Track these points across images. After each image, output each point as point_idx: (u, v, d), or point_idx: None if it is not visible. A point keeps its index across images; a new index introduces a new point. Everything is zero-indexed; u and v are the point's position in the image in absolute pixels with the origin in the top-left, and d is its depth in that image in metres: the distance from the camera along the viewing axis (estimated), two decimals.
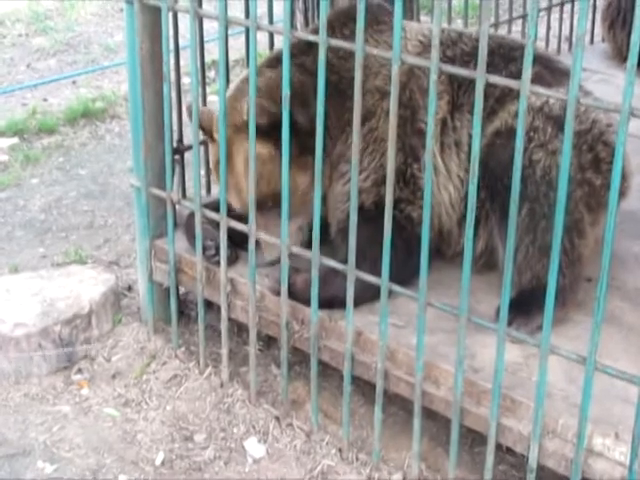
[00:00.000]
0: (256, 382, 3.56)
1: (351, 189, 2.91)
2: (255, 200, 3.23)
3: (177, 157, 3.96)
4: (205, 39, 4.24)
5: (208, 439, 3.43)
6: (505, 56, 3.56)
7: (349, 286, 3.02)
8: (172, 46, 3.85)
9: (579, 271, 3.41)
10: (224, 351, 3.61)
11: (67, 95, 7.12)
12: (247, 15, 3.85)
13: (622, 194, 3.50)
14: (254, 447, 3.38)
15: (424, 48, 3.58)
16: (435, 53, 2.58)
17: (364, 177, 3.48)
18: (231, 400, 3.60)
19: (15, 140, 6.19)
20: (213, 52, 6.09)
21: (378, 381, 3.11)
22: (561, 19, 6.66)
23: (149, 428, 3.49)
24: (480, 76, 2.51)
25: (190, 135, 3.42)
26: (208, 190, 4.29)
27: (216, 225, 3.45)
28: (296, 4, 5.15)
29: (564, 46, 6.73)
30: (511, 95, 3.45)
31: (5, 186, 5.57)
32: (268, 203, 3.46)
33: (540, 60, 3.49)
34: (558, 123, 3.30)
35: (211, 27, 5.59)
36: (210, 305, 3.80)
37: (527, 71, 2.42)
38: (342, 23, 3.55)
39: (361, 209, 3.00)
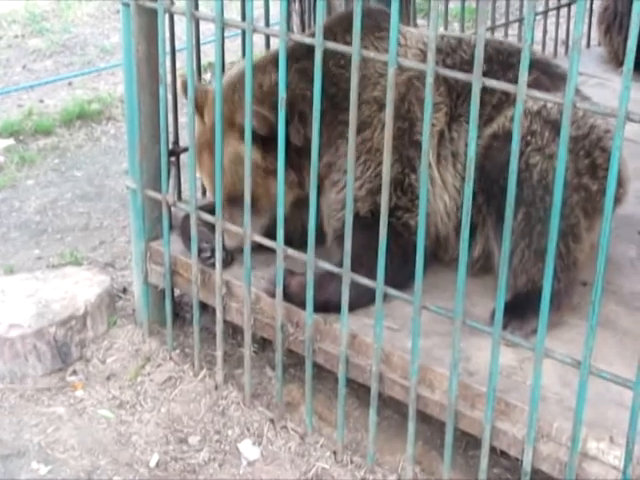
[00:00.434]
0: (251, 384, 3.56)
1: (347, 196, 2.91)
2: (227, 193, 3.34)
3: (173, 159, 3.96)
4: (201, 41, 4.24)
5: (202, 441, 3.43)
6: (503, 63, 3.56)
7: (344, 289, 3.02)
8: (168, 48, 3.85)
9: (574, 275, 3.41)
10: (219, 353, 3.61)
11: (63, 96, 7.12)
12: (243, 17, 3.85)
13: (618, 200, 3.50)
14: (248, 449, 3.38)
15: (425, 57, 3.57)
16: (431, 56, 2.58)
17: (359, 185, 3.49)
18: (226, 402, 3.59)
19: (11, 141, 6.19)
20: (209, 54, 6.06)
21: (373, 384, 3.11)
22: (557, 23, 6.67)
23: (144, 430, 3.49)
24: (476, 79, 2.51)
25: (186, 138, 3.43)
26: (204, 192, 4.29)
27: (211, 227, 3.46)
28: (292, 7, 5.15)
29: (560, 50, 6.74)
30: (508, 102, 3.45)
31: (0, 187, 5.56)
32: (239, 198, 3.46)
33: (538, 65, 3.50)
34: (556, 127, 3.30)
35: (207, 29, 5.60)
36: (205, 307, 3.80)
37: (524, 74, 2.43)
38: (344, 29, 3.50)
39: (357, 217, 3.01)
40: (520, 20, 6.32)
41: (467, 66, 3.52)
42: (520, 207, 3.23)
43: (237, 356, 3.88)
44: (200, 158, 3.62)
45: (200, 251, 3.60)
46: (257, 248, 3.32)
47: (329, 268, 3.08)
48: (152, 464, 3.33)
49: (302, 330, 3.37)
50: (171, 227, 3.70)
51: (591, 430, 2.79)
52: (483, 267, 3.58)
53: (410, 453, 3.10)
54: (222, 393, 3.63)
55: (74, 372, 3.80)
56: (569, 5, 6.77)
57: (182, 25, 3.31)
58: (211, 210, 3.41)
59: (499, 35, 6.55)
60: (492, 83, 2.54)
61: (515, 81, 2.49)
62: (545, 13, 6.59)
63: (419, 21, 6.44)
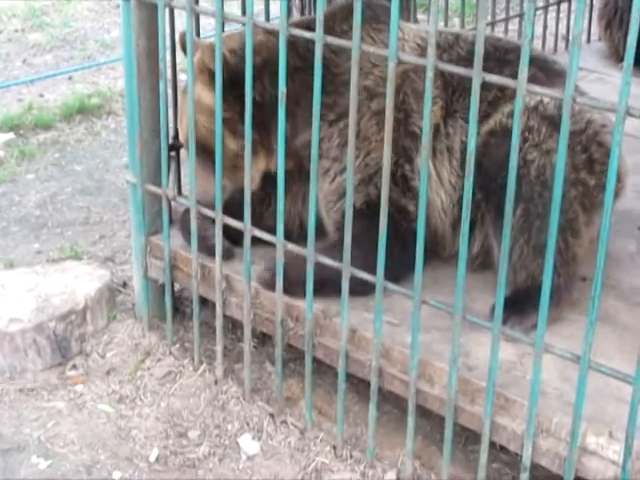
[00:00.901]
0: (250, 379, 3.56)
1: (347, 187, 2.91)
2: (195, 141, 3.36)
3: (173, 154, 3.96)
4: (202, 36, 4.23)
5: (202, 436, 3.43)
6: (500, 59, 3.55)
7: (344, 282, 3.01)
8: (168, 43, 3.85)
9: (574, 270, 3.41)
10: (219, 348, 3.61)
11: (63, 91, 7.11)
12: (244, 12, 3.84)
13: (616, 194, 3.48)
14: (248, 444, 3.39)
15: (422, 51, 3.57)
16: (432, 51, 2.58)
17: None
18: (225, 397, 3.60)
19: (11, 135, 6.19)
20: None
21: (372, 379, 3.11)
22: (558, 18, 6.67)
23: (143, 424, 3.49)
24: (476, 74, 2.51)
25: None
26: None
27: (212, 221, 3.45)
28: (293, 1, 5.15)
29: (561, 45, 6.75)
30: (504, 98, 3.46)
31: (0, 181, 5.56)
32: (206, 147, 3.47)
33: (536, 62, 3.49)
34: (553, 123, 3.31)
35: (207, 24, 5.60)
36: (205, 302, 3.80)
37: (524, 70, 2.42)
38: (343, 17, 3.54)
39: (353, 209, 2.99)
40: (520, 15, 6.31)
41: (464, 62, 3.50)
42: (518, 203, 3.22)
43: (237, 351, 3.88)
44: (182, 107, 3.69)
45: (204, 239, 3.58)
46: (257, 241, 3.31)
47: (331, 264, 3.07)
48: (152, 458, 3.33)
49: (302, 325, 3.37)
50: (171, 221, 3.70)
51: (590, 425, 2.79)
52: (482, 263, 3.58)
53: (410, 448, 3.11)
54: (222, 388, 3.63)
55: (74, 366, 3.81)
56: (569, 0, 6.78)
57: (182, 20, 3.31)
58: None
59: (499, 30, 6.57)
60: (492, 78, 2.53)
61: (512, 77, 2.49)
62: (545, 8, 6.59)
63: (419, 16, 6.44)
